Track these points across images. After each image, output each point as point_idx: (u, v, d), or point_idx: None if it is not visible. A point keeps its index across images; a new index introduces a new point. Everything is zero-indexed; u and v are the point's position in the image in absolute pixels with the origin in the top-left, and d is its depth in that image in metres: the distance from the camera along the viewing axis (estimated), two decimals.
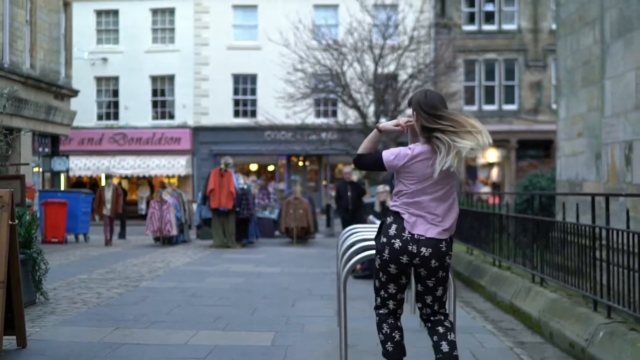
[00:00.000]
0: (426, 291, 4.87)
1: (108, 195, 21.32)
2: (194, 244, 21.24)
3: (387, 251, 4.75)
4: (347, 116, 27.24)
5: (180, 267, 14.71)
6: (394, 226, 4.77)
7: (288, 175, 37.49)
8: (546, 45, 36.34)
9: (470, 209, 14.09)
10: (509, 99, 37.18)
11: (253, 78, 37.44)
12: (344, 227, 15.71)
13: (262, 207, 24.06)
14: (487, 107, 37.00)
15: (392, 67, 26.67)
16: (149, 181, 38.39)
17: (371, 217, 12.90)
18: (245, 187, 20.27)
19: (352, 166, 18.88)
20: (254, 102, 37.40)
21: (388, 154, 4.82)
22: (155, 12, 38.36)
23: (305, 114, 29.45)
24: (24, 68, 23.05)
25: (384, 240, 4.77)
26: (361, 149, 4.98)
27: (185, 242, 21.67)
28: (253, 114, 36.58)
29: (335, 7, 36.18)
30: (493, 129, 35.74)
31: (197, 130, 37.57)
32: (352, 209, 16.97)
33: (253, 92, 37.60)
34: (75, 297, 10.32)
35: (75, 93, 27.16)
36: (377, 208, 13.20)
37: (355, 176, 17.42)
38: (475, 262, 12.49)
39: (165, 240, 20.90)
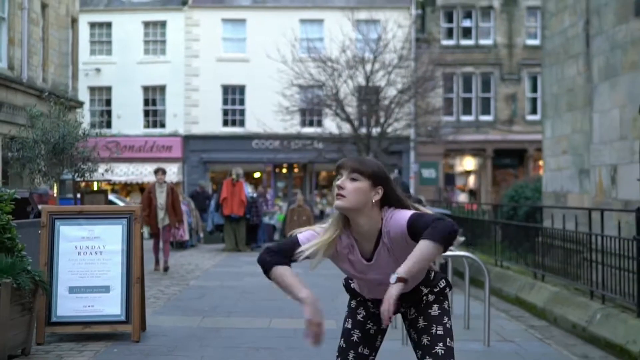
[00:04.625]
0: None
1: (162, 198, 15.45)
2: (203, 248, 22.93)
3: None
4: (340, 128, 29.10)
5: (211, 268, 16.50)
6: None
7: (274, 182, 39.21)
8: (520, 59, 38.45)
9: (470, 217, 16.07)
10: (485, 110, 39.17)
11: (241, 89, 38.96)
12: None
13: (263, 214, 25.83)
14: (465, 118, 38.98)
15: (382, 83, 28.61)
16: (140, 188, 39.86)
17: None
18: (254, 195, 22.12)
19: None
20: (242, 112, 38.97)
21: None
22: (147, 24, 39.76)
23: (299, 126, 31.39)
24: (38, 82, 24.65)
25: None
26: None
27: (194, 247, 23.35)
28: (241, 123, 38.24)
29: (320, 21, 37.93)
30: (470, 139, 38.14)
31: (188, 139, 39.04)
32: None
33: (241, 102, 39.13)
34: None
35: (81, 105, 28.74)
36: None
37: None
38: (476, 264, 14.45)
39: (177, 245, 22.57)
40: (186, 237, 22.49)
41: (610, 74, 11.39)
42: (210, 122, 38.68)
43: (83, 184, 12.89)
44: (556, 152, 15.65)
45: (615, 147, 11.06)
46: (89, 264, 8.11)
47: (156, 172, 16.01)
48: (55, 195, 22.22)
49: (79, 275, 8.09)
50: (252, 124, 35.95)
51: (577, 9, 13.95)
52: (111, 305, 8.07)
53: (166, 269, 15.34)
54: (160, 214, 15.49)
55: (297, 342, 8.27)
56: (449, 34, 39.22)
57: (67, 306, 7.98)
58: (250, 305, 10.91)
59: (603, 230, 8.99)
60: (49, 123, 12.29)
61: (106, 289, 8.09)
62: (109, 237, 8.18)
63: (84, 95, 38.33)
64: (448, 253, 9.74)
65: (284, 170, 39.67)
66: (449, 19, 39.17)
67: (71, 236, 8.13)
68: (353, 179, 3.55)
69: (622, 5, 11.00)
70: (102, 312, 8.05)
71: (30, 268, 7.16)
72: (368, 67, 28.39)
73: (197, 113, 38.97)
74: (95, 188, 13.07)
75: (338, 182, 3.59)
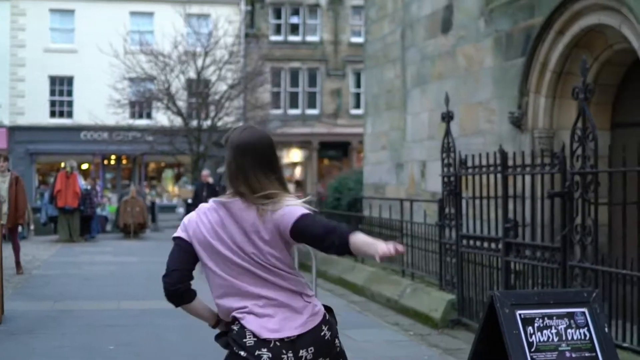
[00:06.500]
0: None
1: (3, 189, 13.20)
2: (35, 239, 23.02)
3: None
4: (172, 122, 29.75)
5: (49, 259, 16.96)
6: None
7: (103, 174, 39.24)
8: (345, 56, 40.28)
9: None
10: (312, 104, 40.77)
11: (70, 80, 38.68)
12: None
13: (96, 205, 26.22)
14: (292, 112, 40.45)
15: (213, 78, 29.53)
16: None
17: None
18: (88, 187, 22.60)
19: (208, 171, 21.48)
20: (70, 103, 38.73)
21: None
22: None
23: (130, 118, 31.92)
24: None
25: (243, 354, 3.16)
26: None
27: (25, 238, 23.38)
28: (69, 114, 38.05)
29: (150, 14, 38.30)
30: (297, 132, 39.67)
31: (13, 130, 38.27)
32: None
33: (70, 93, 38.85)
34: None
35: None
36: None
37: (210, 178, 20.04)
38: (305, 249, 15.77)
39: (5, 237, 22.54)
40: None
41: (421, 81, 12.93)
42: (37, 113, 38.07)
43: None
44: (376, 147, 17.16)
45: (425, 145, 12.62)
46: None
47: None
48: None
49: None
50: (81, 116, 35.89)
51: (396, 19, 15.45)
52: None
53: (19, 272, 13.58)
54: (4, 207, 12.73)
55: (144, 319, 9.23)
56: (278, 30, 40.51)
57: None
58: (96, 291, 11.68)
59: (412, 217, 10.48)
60: None
61: None
62: None
63: None
64: None
65: (113, 162, 39.81)
66: (278, 15, 40.48)
67: None
68: None
69: (431, 22, 12.54)
70: None
71: None
72: (199, 62, 29.24)
73: (23, 104, 38.26)
74: None
75: None
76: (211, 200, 3.34)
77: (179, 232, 3.34)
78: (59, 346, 7.61)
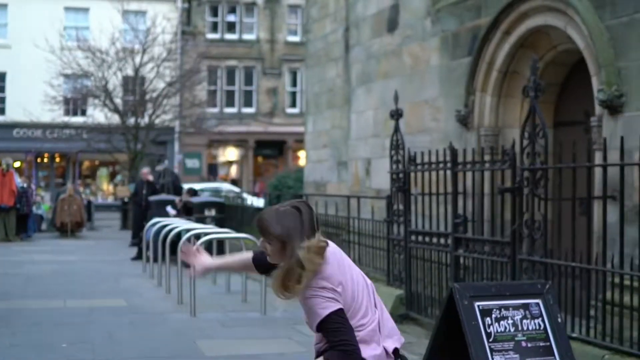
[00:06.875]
0: None
1: None
2: None
3: None
4: (109, 119, 29.41)
5: None
6: None
7: (36, 172, 38.60)
8: (281, 55, 40.37)
9: (240, 204, 17.43)
10: (248, 103, 40.78)
11: (2, 76, 37.92)
12: (136, 219, 18.53)
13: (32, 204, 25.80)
14: (228, 110, 40.38)
15: (152, 75, 29.25)
16: None
17: (169, 208, 15.91)
18: (24, 185, 22.24)
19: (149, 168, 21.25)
20: (2, 100, 37.97)
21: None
22: None
23: (66, 115, 31.48)
24: None
25: None
26: None
27: None
28: (2, 111, 37.34)
29: (86, 10, 37.83)
30: (233, 130, 39.57)
31: None
32: (145, 204, 19.35)
33: (2, 89, 38.10)
34: None
35: None
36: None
37: (151, 176, 19.82)
38: (248, 248, 15.79)
39: None
40: None
41: (366, 79, 13.10)
42: None
43: None
44: (317, 145, 17.28)
45: (370, 143, 12.80)
46: None
47: None
48: None
49: None
50: (14, 112, 35.23)
51: (338, 18, 15.60)
52: None
53: None
54: None
55: (93, 317, 9.19)
56: (214, 27, 40.40)
57: None
58: (41, 289, 11.55)
59: (359, 214, 10.62)
60: None
61: None
62: None
63: None
64: (227, 235, 11.11)
65: (46, 160, 39.20)
66: (214, 13, 40.37)
67: None
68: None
69: (377, 21, 12.72)
70: None
71: None
72: (137, 59, 28.95)
73: None
74: None
75: None
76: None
77: (337, 303, 3.32)
78: (12, 345, 7.54)
